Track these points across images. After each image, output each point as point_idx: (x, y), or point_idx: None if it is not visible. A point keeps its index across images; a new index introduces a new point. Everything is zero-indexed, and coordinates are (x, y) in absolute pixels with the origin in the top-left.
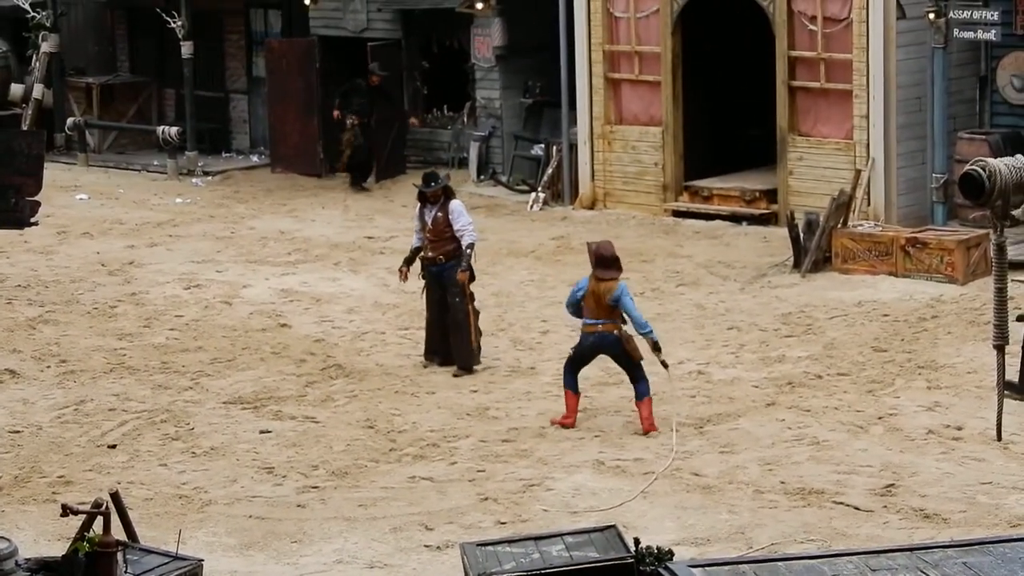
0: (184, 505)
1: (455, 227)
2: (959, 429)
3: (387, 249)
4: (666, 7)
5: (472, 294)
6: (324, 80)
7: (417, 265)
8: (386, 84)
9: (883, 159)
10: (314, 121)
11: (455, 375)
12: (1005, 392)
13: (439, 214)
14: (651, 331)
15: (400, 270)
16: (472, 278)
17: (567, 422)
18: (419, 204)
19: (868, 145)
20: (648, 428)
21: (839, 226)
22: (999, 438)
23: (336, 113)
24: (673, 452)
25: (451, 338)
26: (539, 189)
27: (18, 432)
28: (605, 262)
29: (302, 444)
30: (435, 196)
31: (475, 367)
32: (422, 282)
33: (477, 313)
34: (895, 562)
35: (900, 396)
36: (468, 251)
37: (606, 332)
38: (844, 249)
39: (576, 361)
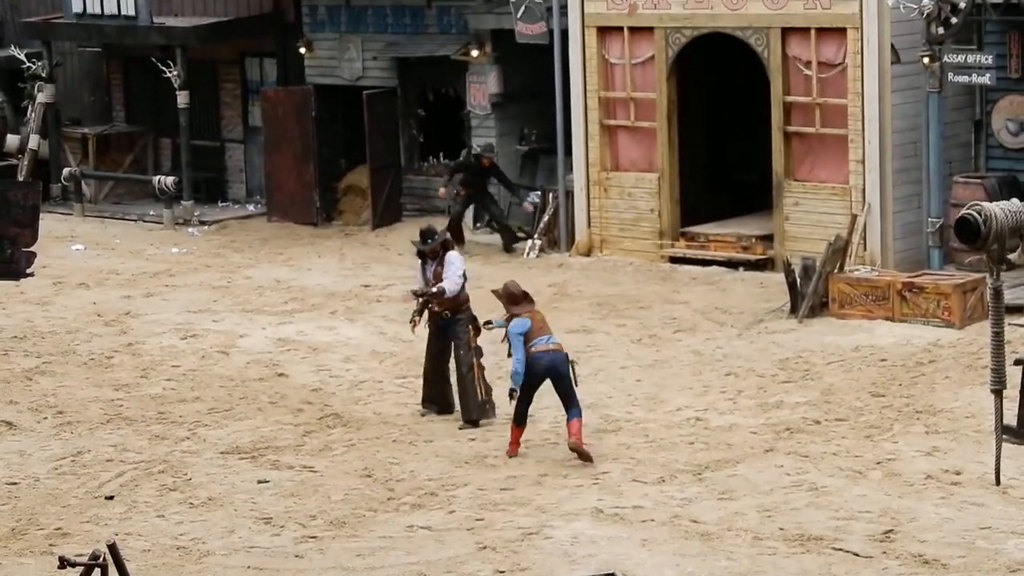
0: (182, 556)
1: (444, 276)
2: (958, 474)
3: (384, 297)
4: (661, 53)
5: (479, 348)
6: (320, 129)
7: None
8: (496, 167)
9: (879, 204)
10: (310, 170)
11: (460, 427)
12: (1003, 436)
13: (438, 268)
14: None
15: (412, 320)
16: (477, 331)
17: (509, 450)
18: (420, 261)
19: (864, 190)
20: (578, 442)
21: (836, 271)
22: (998, 482)
23: (442, 191)
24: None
25: (459, 390)
26: (535, 236)
27: (15, 484)
28: (516, 299)
29: (300, 494)
30: (433, 252)
31: (482, 420)
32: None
33: (482, 367)
34: None
35: (898, 441)
36: (433, 291)
37: (558, 350)
38: (841, 294)
39: (531, 388)
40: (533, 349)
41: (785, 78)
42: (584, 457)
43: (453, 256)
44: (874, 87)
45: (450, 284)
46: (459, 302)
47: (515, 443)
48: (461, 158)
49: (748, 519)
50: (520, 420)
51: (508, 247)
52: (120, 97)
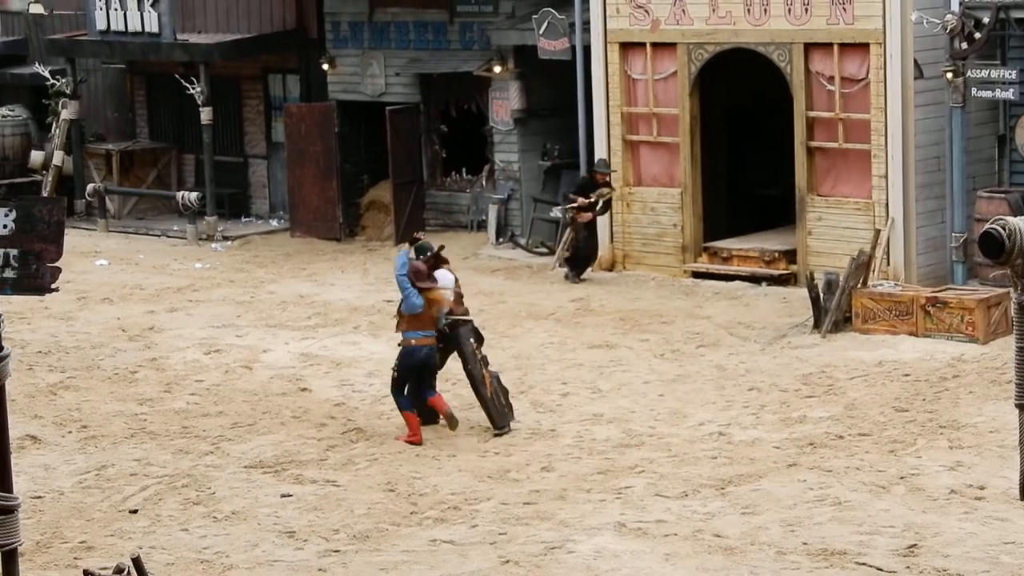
0: (205, 570)
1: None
2: (982, 488)
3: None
4: (684, 69)
5: (485, 357)
6: (343, 144)
7: None
8: (612, 181)
9: (902, 219)
10: (333, 185)
11: (496, 434)
12: None
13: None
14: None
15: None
16: (481, 341)
17: (415, 439)
18: None
19: (887, 205)
20: (442, 408)
21: (859, 286)
22: (1022, 497)
23: (567, 217)
24: None
25: (481, 404)
26: (559, 251)
27: (40, 498)
28: (421, 276)
29: (323, 508)
30: (426, 266)
31: (505, 426)
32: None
33: (495, 375)
34: None
35: (922, 456)
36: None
37: (434, 346)
38: (864, 309)
39: (403, 381)
40: (413, 341)
41: (808, 93)
42: (451, 422)
43: (440, 275)
44: (897, 102)
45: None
46: (458, 313)
47: (417, 428)
48: (579, 180)
49: (771, 533)
50: (407, 406)
51: (573, 276)
52: (144, 113)
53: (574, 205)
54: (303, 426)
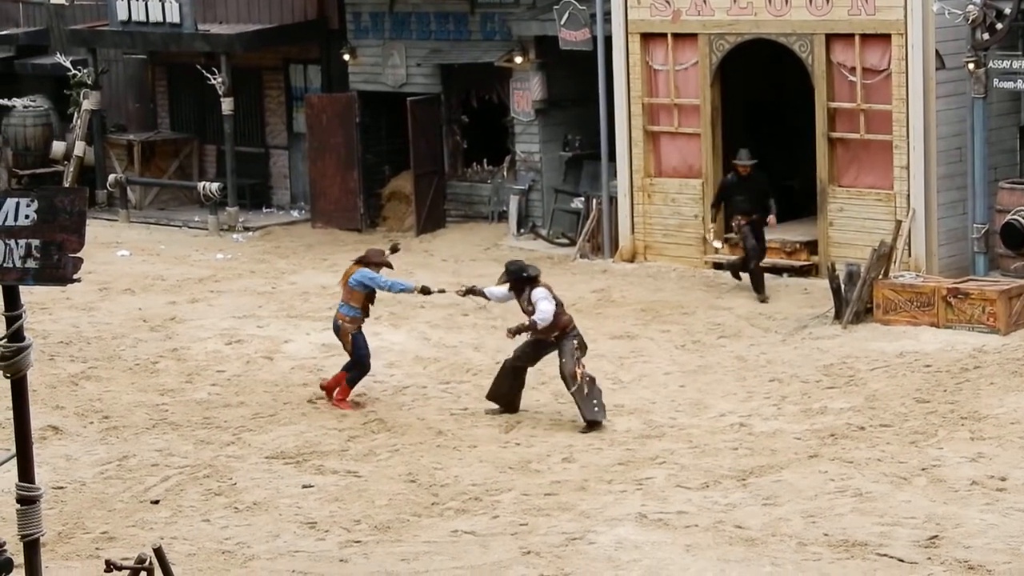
0: (227, 560)
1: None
2: (1003, 480)
3: (427, 303)
4: (705, 59)
5: (581, 353)
6: (364, 135)
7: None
8: (757, 174)
9: (924, 209)
10: (354, 176)
11: (583, 431)
12: None
13: (526, 305)
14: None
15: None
16: (584, 349)
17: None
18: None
19: (909, 196)
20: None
21: (880, 277)
22: None
23: (710, 233)
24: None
25: (575, 399)
26: (580, 242)
27: (61, 488)
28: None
29: (344, 499)
30: (514, 286)
31: (603, 421)
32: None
33: (587, 375)
34: None
35: (943, 447)
36: (525, 325)
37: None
38: (885, 300)
39: None
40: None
41: (829, 84)
42: (328, 394)
43: (538, 293)
44: (919, 93)
45: (542, 316)
46: (562, 326)
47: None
48: (723, 181)
49: (792, 525)
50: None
51: (736, 273)
52: (165, 104)
53: (743, 224)
54: (324, 417)
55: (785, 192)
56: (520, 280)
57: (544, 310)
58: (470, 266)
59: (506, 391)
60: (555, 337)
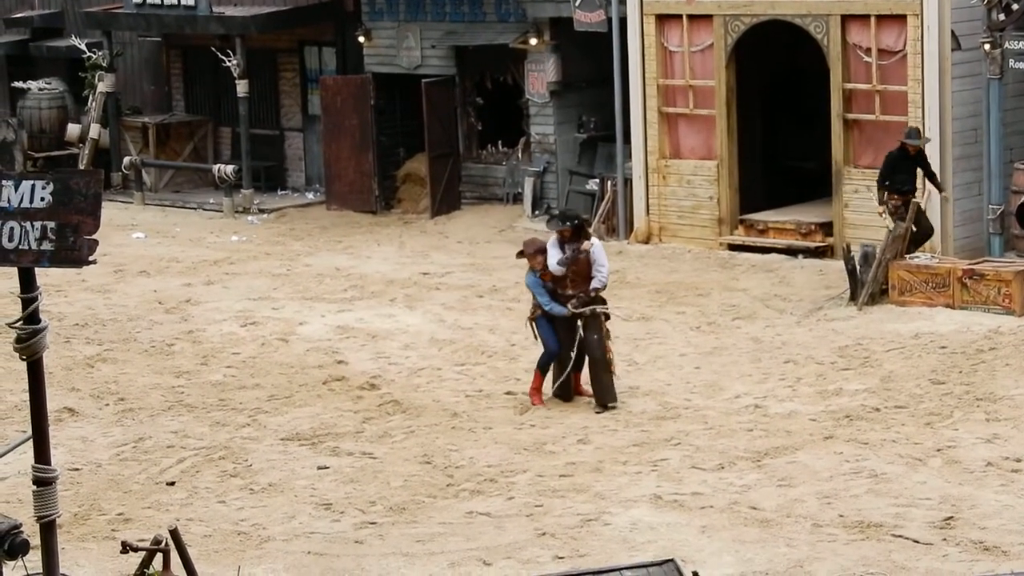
0: (243, 542)
1: (593, 268)
2: (1018, 461)
3: (443, 285)
4: (720, 41)
5: (609, 331)
6: (379, 117)
7: None
8: (924, 155)
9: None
10: (369, 158)
11: (596, 411)
12: None
13: (580, 255)
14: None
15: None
16: (607, 316)
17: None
18: (558, 239)
19: (923, 179)
20: None
21: (895, 258)
22: None
23: (880, 209)
24: None
25: (591, 376)
26: (595, 224)
27: (77, 470)
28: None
29: (360, 480)
30: (566, 234)
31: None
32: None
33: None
34: None
35: (958, 428)
36: (592, 298)
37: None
38: (901, 281)
39: None
40: None
41: (845, 65)
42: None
43: (598, 250)
44: (934, 74)
45: (603, 279)
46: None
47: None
48: (888, 158)
49: (807, 506)
50: None
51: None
52: (180, 86)
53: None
54: (339, 399)
55: (801, 173)
56: (579, 227)
57: (605, 271)
58: (485, 248)
59: (564, 381)
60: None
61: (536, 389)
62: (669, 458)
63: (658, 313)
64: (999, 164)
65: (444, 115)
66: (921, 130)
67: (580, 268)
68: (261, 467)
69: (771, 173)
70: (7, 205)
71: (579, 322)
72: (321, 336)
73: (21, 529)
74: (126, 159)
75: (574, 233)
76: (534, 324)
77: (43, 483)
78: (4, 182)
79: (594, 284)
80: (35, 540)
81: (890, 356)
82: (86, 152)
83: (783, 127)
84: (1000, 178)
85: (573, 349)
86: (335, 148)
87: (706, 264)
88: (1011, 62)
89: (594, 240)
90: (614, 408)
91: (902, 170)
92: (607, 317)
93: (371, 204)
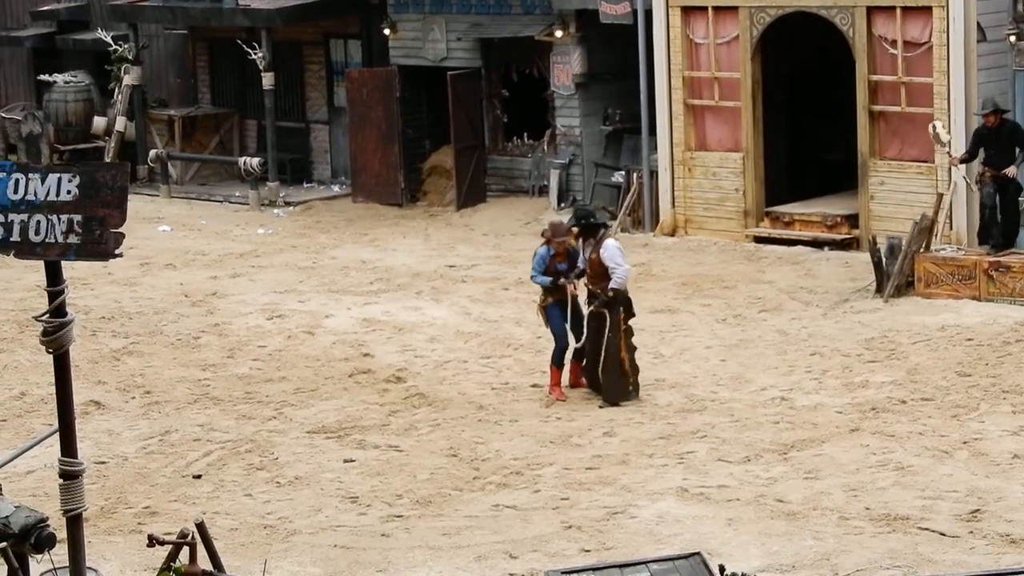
0: (269, 535)
1: (608, 266)
2: None
3: (469, 278)
4: (746, 32)
5: (630, 328)
6: (404, 109)
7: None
8: (1008, 124)
9: (965, 183)
10: (395, 150)
11: (600, 407)
12: None
13: (594, 254)
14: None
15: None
16: (632, 315)
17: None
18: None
19: (950, 169)
20: None
21: (921, 250)
22: None
23: (975, 182)
24: None
25: (603, 370)
26: (621, 216)
27: (104, 463)
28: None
29: (386, 473)
30: (582, 235)
31: (623, 402)
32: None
33: (633, 348)
34: None
35: (985, 421)
36: (609, 296)
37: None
38: (927, 273)
39: None
40: None
41: (871, 57)
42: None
43: (611, 242)
44: (960, 66)
45: (621, 280)
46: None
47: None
48: (974, 135)
49: (834, 498)
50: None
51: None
52: (206, 79)
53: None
54: (365, 391)
55: (827, 166)
56: (588, 227)
57: (622, 271)
58: (511, 240)
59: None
60: (603, 291)
61: (555, 384)
62: (695, 451)
63: (684, 305)
64: None
65: (470, 107)
66: (994, 100)
67: (594, 268)
68: (287, 460)
69: (797, 165)
70: (34, 198)
71: (587, 316)
72: (347, 329)
73: (48, 523)
74: (152, 152)
75: (583, 232)
76: (544, 312)
77: (70, 476)
78: (31, 175)
79: (611, 285)
80: (62, 534)
81: (916, 348)
82: (112, 145)
83: (809, 119)
84: None
85: (581, 340)
86: (360, 141)
87: (732, 256)
88: None
89: (607, 242)
90: (614, 407)
91: (989, 144)
92: (630, 315)
93: (397, 197)
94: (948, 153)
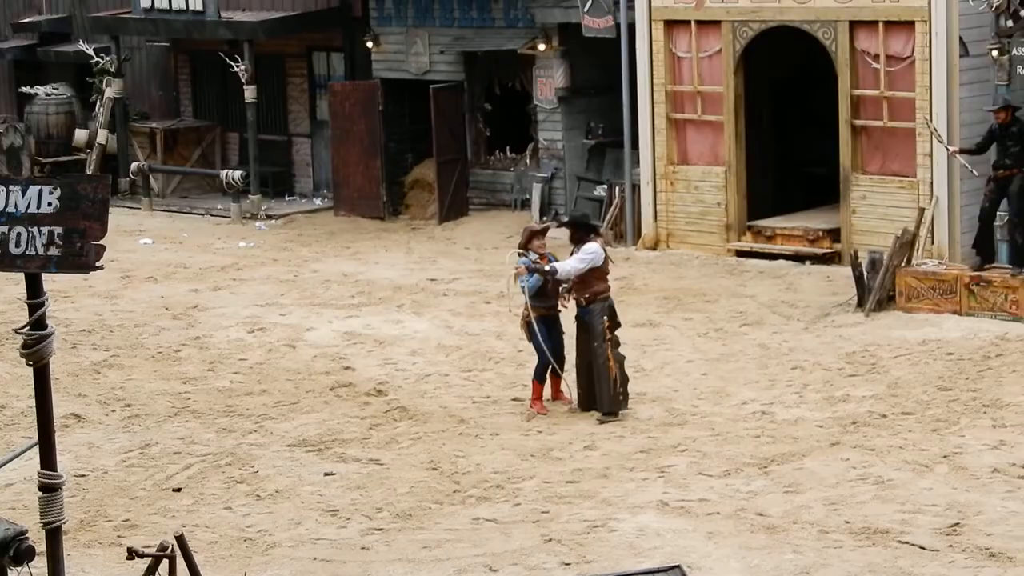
0: (249, 548)
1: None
2: None
3: (450, 291)
4: (728, 47)
5: (615, 339)
6: (387, 123)
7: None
8: (1020, 121)
9: (947, 197)
10: (377, 163)
11: (600, 421)
12: None
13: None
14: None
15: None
16: (617, 325)
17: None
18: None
19: (932, 183)
20: None
21: (903, 265)
22: None
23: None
24: None
25: (594, 384)
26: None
27: (83, 476)
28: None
29: (366, 486)
30: (571, 238)
31: (618, 413)
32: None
33: (620, 358)
34: None
35: (965, 435)
36: (545, 269)
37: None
38: (908, 288)
39: None
40: None
41: (853, 71)
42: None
43: (589, 246)
44: (942, 80)
45: (563, 266)
46: (595, 292)
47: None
48: (988, 132)
49: (814, 512)
50: None
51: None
52: (188, 92)
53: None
54: (346, 405)
55: (809, 180)
56: (581, 228)
57: (568, 264)
58: (492, 254)
59: (585, 390)
60: (583, 300)
61: (537, 398)
62: (676, 464)
63: (665, 319)
64: None
65: (452, 121)
66: (1008, 99)
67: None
68: (268, 473)
69: (779, 179)
70: (14, 210)
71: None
72: (328, 342)
73: (27, 536)
74: (133, 164)
75: (575, 233)
76: (527, 327)
77: (49, 489)
78: (12, 187)
79: (553, 266)
80: (41, 546)
81: (897, 362)
82: (93, 157)
83: (791, 133)
84: None
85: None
86: (343, 154)
87: (713, 270)
88: (1019, 68)
89: (588, 244)
90: (613, 419)
91: (1000, 142)
92: (615, 325)
93: (379, 210)
94: (946, 146)
